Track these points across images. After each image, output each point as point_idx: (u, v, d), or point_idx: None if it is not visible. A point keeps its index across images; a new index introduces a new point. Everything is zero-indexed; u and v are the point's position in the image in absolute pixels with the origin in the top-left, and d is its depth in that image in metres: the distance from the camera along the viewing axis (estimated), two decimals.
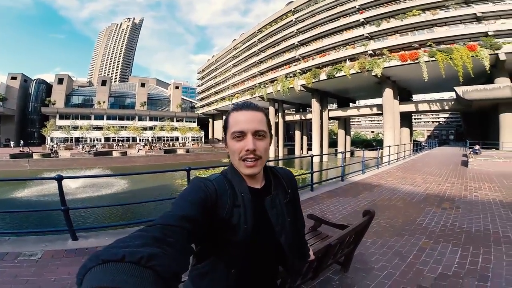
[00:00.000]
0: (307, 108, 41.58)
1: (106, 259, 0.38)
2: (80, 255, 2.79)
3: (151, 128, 53.28)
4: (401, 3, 25.64)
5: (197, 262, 0.85)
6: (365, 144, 49.31)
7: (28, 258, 2.65)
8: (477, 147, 14.05)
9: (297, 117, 40.04)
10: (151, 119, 55.14)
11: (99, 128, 48.42)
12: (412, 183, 7.39)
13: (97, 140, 46.86)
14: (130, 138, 49.31)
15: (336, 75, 26.13)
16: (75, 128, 45.76)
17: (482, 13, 21.29)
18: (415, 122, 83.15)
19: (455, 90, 20.20)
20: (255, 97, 37.74)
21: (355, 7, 28.80)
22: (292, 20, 36.51)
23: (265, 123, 0.87)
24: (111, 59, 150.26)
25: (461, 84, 20.20)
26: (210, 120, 65.24)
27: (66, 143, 42.54)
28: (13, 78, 48.44)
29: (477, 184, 7.35)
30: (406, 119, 29.55)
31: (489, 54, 18.84)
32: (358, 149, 32.89)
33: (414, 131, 52.20)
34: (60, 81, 50.35)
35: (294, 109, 44.43)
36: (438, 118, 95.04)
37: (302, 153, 40.95)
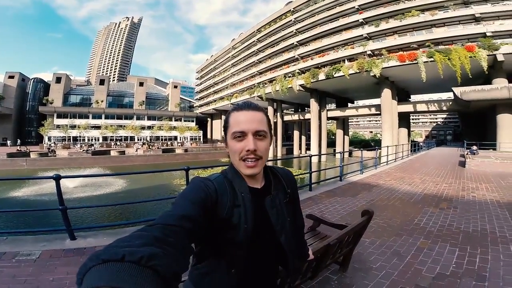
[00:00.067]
0: (306, 108, 41.61)
1: (106, 259, 0.38)
2: (78, 254, 2.78)
3: (149, 128, 53.21)
4: (400, 3, 25.70)
5: (197, 262, 0.85)
6: (364, 144, 49.39)
7: (26, 258, 2.64)
8: (474, 147, 14.11)
9: (295, 117, 40.07)
10: (149, 118, 55.04)
11: (97, 127, 48.33)
12: (410, 183, 7.42)
13: (95, 139, 46.74)
14: (128, 138, 49.21)
15: (335, 75, 26.15)
16: (73, 127, 45.63)
17: (481, 13, 21.37)
18: (413, 123, 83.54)
19: (453, 91, 20.29)
20: (254, 96, 37.71)
21: (354, 7, 28.84)
22: (291, 20, 36.52)
23: (265, 123, 0.87)
24: (109, 58, 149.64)
25: (459, 85, 20.29)
26: (209, 119, 65.18)
27: (63, 142, 42.36)
28: (11, 77, 48.21)
29: (474, 184, 7.39)
30: (404, 120, 29.64)
31: (487, 55, 18.92)
32: (356, 149, 32.89)
33: (412, 131, 52.35)
34: (58, 80, 50.15)
35: (293, 109, 44.49)
36: (436, 118, 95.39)
37: (301, 153, 40.98)
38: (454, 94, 20.30)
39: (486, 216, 4.38)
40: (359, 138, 72.50)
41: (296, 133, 42.77)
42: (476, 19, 21.83)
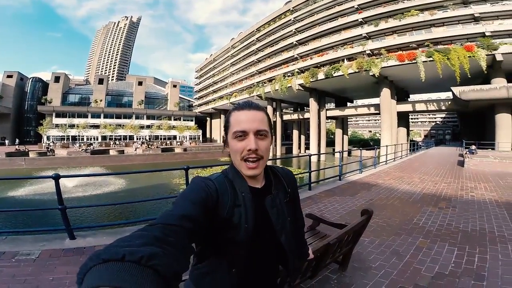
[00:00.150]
0: (305, 108, 41.65)
1: (106, 258, 0.38)
2: (78, 254, 2.77)
3: (148, 127, 53.08)
4: (400, 3, 25.72)
5: (198, 261, 0.85)
6: (363, 144, 49.54)
7: (26, 257, 2.63)
8: (473, 147, 14.16)
9: (295, 116, 40.07)
10: (148, 117, 54.89)
11: (96, 126, 48.16)
12: (409, 183, 7.44)
13: (94, 138, 46.60)
14: (128, 137, 49.07)
15: (334, 75, 26.15)
16: (72, 126, 45.46)
17: (480, 13, 21.41)
18: (412, 122, 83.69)
19: (452, 90, 20.31)
20: (253, 96, 37.68)
21: (353, 6, 28.85)
22: (290, 20, 36.50)
23: (266, 123, 0.87)
24: (108, 57, 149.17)
25: (458, 85, 20.31)
26: (208, 119, 65.13)
27: (62, 142, 42.20)
28: (9, 76, 48.00)
29: (473, 184, 7.41)
30: (403, 119, 29.70)
31: (486, 55, 18.95)
32: (355, 149, 32.94)
33: (411, 130, 52.40)
34: (57, 79, 49.94)
35: (292, 108, 44.47)
36: (435, 118, 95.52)
37: (300, 152, 40.99)
38: (453, 93, 20.33)
39: (485, 215, 4.40)
40: (358, 138, 72.67)
41: (295, 133, 42.76)
42: (475, 19, 21.87)
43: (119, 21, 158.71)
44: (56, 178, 3.01)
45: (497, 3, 21.26)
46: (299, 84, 29.95)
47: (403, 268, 2.60)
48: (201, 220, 0.68)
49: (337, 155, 19.32)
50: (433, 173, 9.47)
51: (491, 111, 20.32)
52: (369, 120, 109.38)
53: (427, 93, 37.85)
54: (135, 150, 34.32)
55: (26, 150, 28.11)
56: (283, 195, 0.96)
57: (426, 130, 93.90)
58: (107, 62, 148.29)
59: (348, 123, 43.46)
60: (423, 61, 20.79)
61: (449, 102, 24.06)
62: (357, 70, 24.17)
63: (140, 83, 58.20)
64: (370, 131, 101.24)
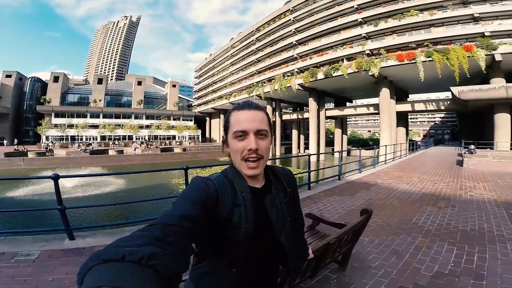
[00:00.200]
0: (304, 107, 41.64)
1: (106, 259, 0.38)
2: (77, 254, 2.77)
3: (147, 127, 53.03)
4: (399, 3, 25.75)
5: (198, 261, 0.85)
6: (362, 143, 49.64)
7: (25, 258, 2.63)
8: (472, 146, 14.17)
9: (294, 116, 40.07)
10: (147, 117, 54.83)
11: (95, 126, 48.11)
12: (408, 182, 7.45)
13: (93, 138, 46.54)
14: (127, 137, 49.01)
15: (334, 75, 26.16)
16: (71, 126, 45.41)
17: (479, 13, 21.45)
18: (411, 122, 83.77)
19: (451, 90, 20.33)
20: (253, 96, 37.66)
21: (353, 7, 28.87)
22: (290, 19, 36.51)
23: (266, 123, 0.87)
24: (107, 57, 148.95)
25: (457, 84, 20.33)
26: (207, 118, 65.07)
27: (61, 142, 42.09)
28: (8, 76, 47.82)
29: (472, 183, 7.43)
30: (402, 119, 29.72)
31: (485, 55, 18.98)
32: (354, 148, 32.98)
33: (410, 130, 52.51)
34: (56, 79, 49.85)
35: (291, 108, 44.47)
36: (434, 118, 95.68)
37: (299, 152, 41.02)
38: (452, 93, 20.35)
39: (484, 215, 4.41)
40: (358, 137, 72.66)
41: (294, 132, 42.76)
42: (474, 19, 21.92)
43: (118, 21, 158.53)
44: (55, 178, 3.00)
45: (496, 3, 21.31)
46: (298, 84, 29.95)
47: (402, 267, 2.60)
48: (201, 220, 0.68)
49: (336, 154, 19.35)
50: (432, 172, 9.49)
51: (490, 111, 20.35)
52: (368, 120, 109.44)
53: (426, 93, 37.88)
54: (134, 150, 34.26)
55: (25, 150, 28.04)
56: (283, 195, 0.96)
57: (425, 129, 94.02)
58: (106, 62, 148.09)
59: (348, 123, 43.51)
60: (423, 61, 20.82)
61: (448, 102, 24.10)
62: (356, 70, 24.18)
63: (139, 83, 58.14)
64: (369, 131, 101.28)
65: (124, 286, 0.34)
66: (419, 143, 31.35)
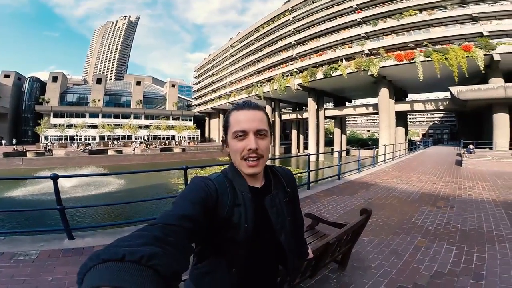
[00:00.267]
0: (304, 107, 41.65)
1: (106, 258, 0.38)
2: (77, 254, 2.77)
3: (146, 127, 52.99)
4: (398, 3, 25.79)
5: (198, 261, 0.85)
6: (361, 143, 49.66)
7: (24, 258, 2.62)
8: (471, 146, 14.21)
9: (293, 116, 40.11)
10: (146, 117, 54.77)
11: (94, 126, 48.04)
12: (407, 182, 7.46)
13: (92, 138, 46.49)
14: (126, 137, 48.96)
15: (333, 74, 26.20)
16: (70, 126, 45.36)
17: (478, 13, 21.49)
18: (410, 122, 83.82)
19: (450, 90, 20.37)
20: (252, 95, 37.69)
21: (352, 6, 28.90)
22: (289, 19, 36.52)
23: (266, 122, 0.87)
24: (106, 57, 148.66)
25: (456, 84, 20.37)
26: (207, 118, 65.06)
27: (60, 142, 42.02)
28: (6, 76, 47.71)
29: (471, 183, 7.45)
30: (401, 119, 29.78)
31: (484, 55, 19.02)
32: (354, 148, 32.98)
33: (409, 130, 52.63)
34: (55, 79, 49.74)
35: (291, 108, 44.50)
36: (433, 117, 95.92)
37: (299, 152, 41.05)
38: (451, 93, 20.39)
39: (483, 214, 4.42)
40: (357, 137, 72.82)
41: (294, 132, 42.80)
42: (473, 19, 21.95)
43: (117, 21, 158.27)
44: (55, 178, 2.99)
45: (495, 3, 21.35)
46: (297, 84, 29.98)
47: (402, 267, 2.60)
48: (201, 220, 0.68)
49: (335, 154, 19.39)
50: (431, 172, 9.51)
51: (489, 111, 20.40)
52: (367, 120, 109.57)
53: (425, 92, 37.99)
54: (134, 150, 34.22)
55: (24, 150, 27.96)
56: (283, 195, 0.96)
57: (424, 129, 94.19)
58: (105, 62, 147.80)
59: (347, 122, 43.57)
60: (421, 61, 20.87)
61: (447, 102, 24.15)
62: (355, 70, 24.22)
63: (138, 83, 58.08)
64: (369, 131, 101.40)
65: (124, 286, 0.34)
66: (418, 143, 31.36)
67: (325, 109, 34.10)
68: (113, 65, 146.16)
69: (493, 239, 3.34)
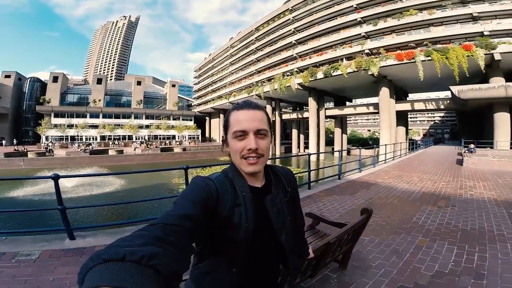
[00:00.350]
0: (304, 107, 41.66)
1: (107, 258, 0.38)
2: (78, 254, 2.77)
3: (147, 127, 53.03)
4: (398, 2, 25.76)
5: (198, 261, 0.85)
6: (362, 143, 49.69)
7: (26, 258, 2.63)
8: (472, 146, 14.17)
9: (294, 115, 40.09)
10: (147, 117, 54.80)
11: (95, 126, 48.07)
12: (408, 182, 7.45)
13: (93, 138, 46.53)
14: (126, 137, 49.00)
15: (333, 74, 26.18)
16: (71, 126, 45.39)
17: (478, 13, 21.46)
18: (411, 121, 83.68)
19: (450, 90, 20.34)
20: (252, 95, 37.70)
21: (352, 6, 28.87)
22: (289, 19, 36.50)
23: (266, 122, 0.87)
24: (106, 57, 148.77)
25: (456, 84, 20.34)
26: (207, 118, 65.10)
27: (61, 142, 42.09)
28: (7, 76, 47.82)
29: (472, 182, 7.43)
30: (402, 118, 29.74)
31: (485, 54, 19.00)
32: (354, 148, 32.98)
33: (410, 129, 52.53)
34: (55, 79, 49.80)
35: (291, 108, 44.49)
36: (434, 117, 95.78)
37: (299, 152, 41.03)
38: (452, 92, 20.36)
39: (484, 214, 4.41)
40: (357, 137, 72.81)
41: (294, 132, 42.79)
42: (474, 18, 21.92)
43: (117, 21, 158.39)
44: (56, 178, 3.00)
45: (495, 2, 21.32)
46: (298, 84, 29.97)
47: (403, 267, 2.60)
48: (202, 219, 0.68)
49: (336, 154, 19.38)
50: (432, 172, 9.49)
51: (490, 110, 20.36)
52: (368, 119, 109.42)
53: (426, 92, 37.93)
54: (134, 150, 34.25)
55: (25, 150, 28.04)
56: (283, 194, 0.96)
57: (425, 129, 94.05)
58: (105, 62, 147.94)
59: (347, 122, 43.55)
60: (422, 60, 20.84)
61: (448, 101, 24.12)
62: (356, 70, 24.20)
63: (139, 83, 58.10)
64: (369, 130, 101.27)
65: (124, 286, 0.34)
66: (419, 142, 31.38)
67: (326, 109, 34.08)
68: (114, 65, 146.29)
69: (494, 238, 3.33)
